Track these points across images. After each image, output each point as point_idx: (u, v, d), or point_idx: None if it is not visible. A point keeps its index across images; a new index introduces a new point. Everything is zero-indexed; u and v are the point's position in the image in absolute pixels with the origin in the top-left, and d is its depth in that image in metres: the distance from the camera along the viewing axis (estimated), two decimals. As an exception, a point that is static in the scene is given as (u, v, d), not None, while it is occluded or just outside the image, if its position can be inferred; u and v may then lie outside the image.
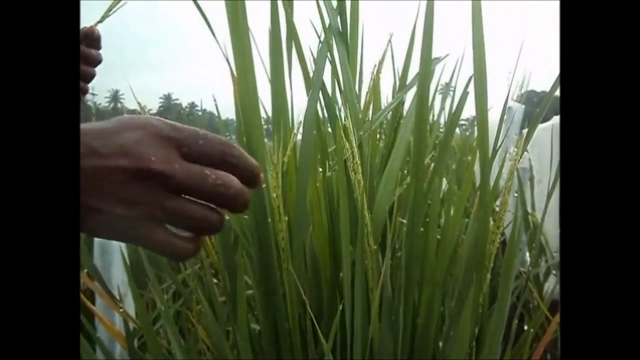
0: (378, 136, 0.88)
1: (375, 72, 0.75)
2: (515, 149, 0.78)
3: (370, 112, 0.71)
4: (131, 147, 0.37)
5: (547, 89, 0.68)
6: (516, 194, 0.94)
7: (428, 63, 0.49)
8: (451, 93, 1.22)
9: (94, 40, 0.73)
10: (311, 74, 0.57)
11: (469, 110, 0.59)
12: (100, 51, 0.76)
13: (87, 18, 0.75)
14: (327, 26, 0.56)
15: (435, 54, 0.76)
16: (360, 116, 0.62)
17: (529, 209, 0.99)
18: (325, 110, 0.59)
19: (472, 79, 0.51)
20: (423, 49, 0.48)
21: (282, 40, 0.57)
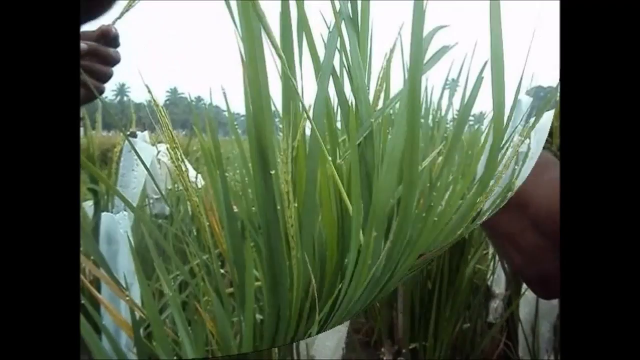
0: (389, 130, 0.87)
1: (386, 61, 0.74)
2: (520, 137, 0.77)
3: (381, 100, 0.70)
4: None
5: (554, 85, 0.68)
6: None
7: (419, 52, 0.48)
8: (458, 89, 1.20)
9: (111, 39, 0.71)
10: (321, 61, 0.56)
11: (477, 107, 0.59)
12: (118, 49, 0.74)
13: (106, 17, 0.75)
14: (337, 10, 0.55)
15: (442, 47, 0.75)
16: (371, 103, 0.61)
17: (514, 179, 1.01)
18: (336, 97, 0.58)
19: (487, 64, 0.50)
20: (413, 35, 0.46)
21: (293, 26, 0.56)
